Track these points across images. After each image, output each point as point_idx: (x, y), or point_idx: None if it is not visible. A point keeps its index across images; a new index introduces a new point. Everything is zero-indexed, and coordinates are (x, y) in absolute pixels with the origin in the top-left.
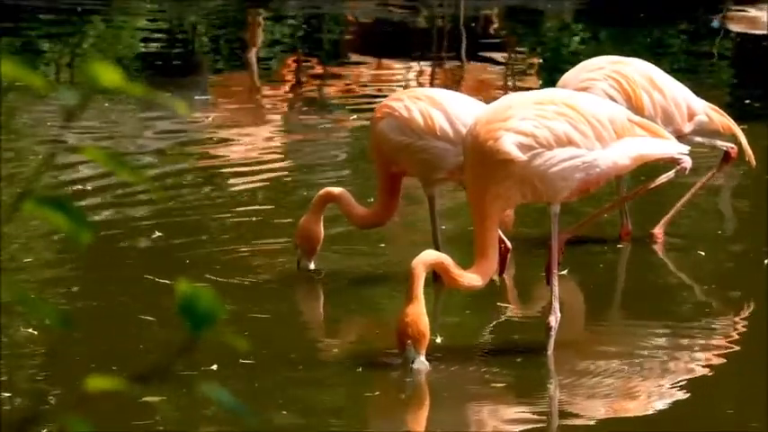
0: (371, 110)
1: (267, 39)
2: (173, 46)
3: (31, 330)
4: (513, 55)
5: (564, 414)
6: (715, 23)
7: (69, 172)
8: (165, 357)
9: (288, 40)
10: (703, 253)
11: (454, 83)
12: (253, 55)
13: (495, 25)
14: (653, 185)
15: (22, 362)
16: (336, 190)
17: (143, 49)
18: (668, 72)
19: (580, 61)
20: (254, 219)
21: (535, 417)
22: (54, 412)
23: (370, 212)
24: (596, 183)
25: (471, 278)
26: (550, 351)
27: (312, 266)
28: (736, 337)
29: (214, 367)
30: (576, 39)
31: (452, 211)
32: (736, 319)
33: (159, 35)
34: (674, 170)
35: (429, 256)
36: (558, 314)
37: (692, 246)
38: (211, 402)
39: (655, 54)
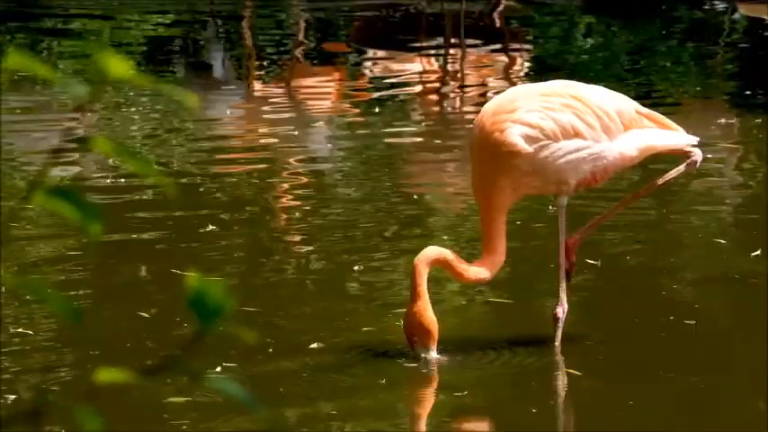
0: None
1: (272, 34)
2: (181, 43)
3: (31, 326)
4: (514, 44)
5: (571, 406)
6: (737, 16)
7: (73, 163)
8: (176, 351)
9: (294, 33)
10: (723, 242)
11: (458, 72)
12: (251, 54)
13: (499, 16)
14: (663, 181)
15: (27, 357)
16: (431, 253)
17: (150, 47)
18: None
19: (587, 53)
20: (260, 214)
21: (543, 408)
22: (63, 406)
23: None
24: (603, 175)
25: (477, 271)
26: (558, 342)
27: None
28: (740, 334)
29: (218, 369)
30: (583, 29)
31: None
32: (741, 314)
33: (167, 33)
34: (684, 164)
35: (431, 252)
36: (566, 305)
37: (695, 242)
38: (224, 397)
39: (661, 43)
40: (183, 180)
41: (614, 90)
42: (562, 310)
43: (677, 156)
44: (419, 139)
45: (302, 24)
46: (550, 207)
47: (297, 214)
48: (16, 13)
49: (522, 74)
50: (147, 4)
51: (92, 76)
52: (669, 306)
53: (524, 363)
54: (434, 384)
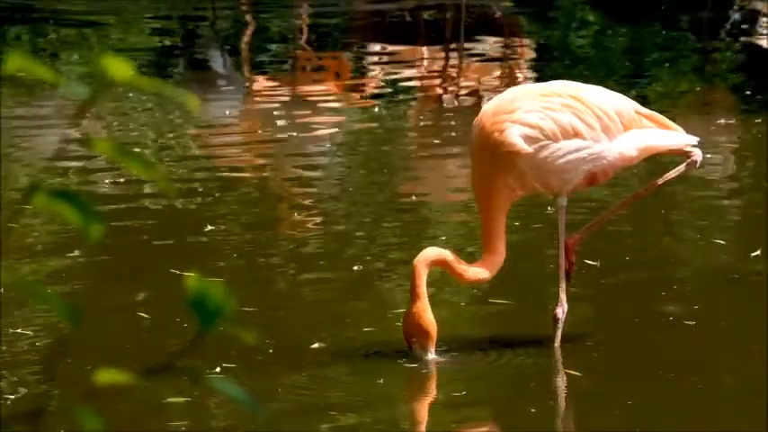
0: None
1: (273, 35)
2: (181, 45)
3: (30, 326)
4: (514, 42)
5: (570, 406)
6: (737, 16)
7: (73, 165)
8: (176, 352)
9: (295, 36)
10: (723, 242)
11: (458, 72)
12: (247, 53)
13: (500, 14)
14: (663, 181)
15: (27, 357)
16: (430, 254)
17: (153, 48)
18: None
19: (586, 53)
20: (260, 214)
21: (542, 408)
22: (63, 406)
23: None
24: (603, 174)
25: (477, 272)
26: (558, 342)
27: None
28: (740, 334)
29: (218, 369)
30: (583, 29)
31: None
32: (741, 314)
33: (168, 34)
34: (684, 164)
35: (430, 253)
36: (566, 306)
37: (695, 242)
38: (224, 397)
39: (661, 43)
40: (182, 180)
41: (614, 90)
42: (562, 311)
43: (677, 155)
44: (418, 140)
45: (304, 26)
46: (549, 208)
47: (296, 214)
48: (16, 19)
49: (521, 74)
50: (149, 8)
51: (94, 79)
52: (669, 306)
53: (524, 363)
54: (434, 385)
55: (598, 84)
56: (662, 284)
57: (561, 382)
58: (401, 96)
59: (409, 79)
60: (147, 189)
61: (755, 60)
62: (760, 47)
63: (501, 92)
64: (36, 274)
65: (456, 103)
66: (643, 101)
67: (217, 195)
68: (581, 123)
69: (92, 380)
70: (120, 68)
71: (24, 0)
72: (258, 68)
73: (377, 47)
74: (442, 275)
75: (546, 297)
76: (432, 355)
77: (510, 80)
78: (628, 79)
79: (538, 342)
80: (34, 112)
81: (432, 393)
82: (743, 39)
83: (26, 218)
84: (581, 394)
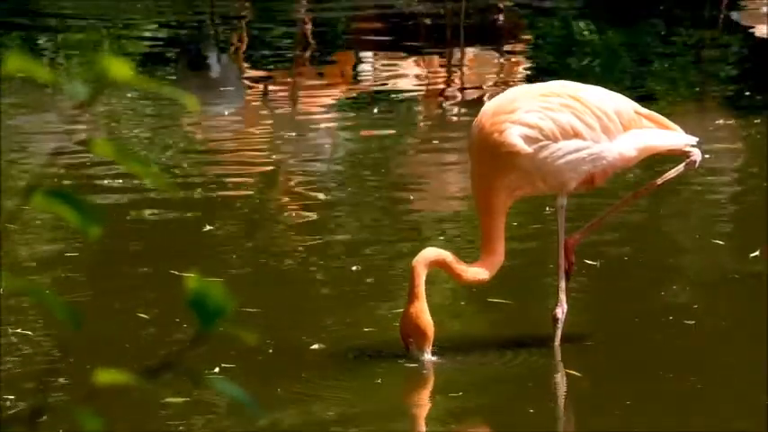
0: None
1: (273, 35)
2: (180, 45)
3: (31, 327)
4: (514, 42)
5: (570, 406)
6: (735, 15)
7: (73, 163)
8: (176, 352)
9: (294, 36)
10: (722, 243)
11: (458, 73)
12: (239, 55)
13: (501, 16)
14: (662, 181)
15: (27, 358)
16: (429, 254)
17: (152, 48)
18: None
19: (585, 54)
20: (258, 215)
21: (541, 408)
22: (63, 406)
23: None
24: (603, 175)
25: (476, 272)
26: (557, 342)
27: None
28: (740, 334)
29: (217, 369)
30: (582, 31)
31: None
32: (740, 314)
33: (167, 34)
34: (683, 164)
35: (429, 253)
36: (565, 306)
37: (694, 242)
38: (223, 398)
39: (659, 45)
40: (181, 181)
41: (614, 90)
42: (561, 311)
43: (677, 155)
44: (417, 141)
45: (307, 25)
46: (548, 208)
47: (295, 215)
48: (12, 24)
49: (520, 75)
50: (148, 9)
51: (93, 79)
52: (669, 306)
53: (523, 363)
54: (434, 385)
55: (598, 83)
56: (662, 284)
57: (561, 382)
58: (401, 97)
59: (410, 80)
60: (146, 188)
61: (755, 60)
62: (760, 47)
63: (501, 92)
64: (36, 276)
65: (454, 103)
66: (643, 101)
67: (216, 195)
68: (580, 123)
69: (92, 380)
70: (120, 69)
71: (25, 2)
72: (258, 68)
73: (378, 47)
74: (442, 276)
75: (546, 297)
76: (427, 356)
77: (509, 80)
78: (627, 79)
79: (538, 342)
80: (35, 118)
81: (430, 393)
82: (742, 38)
83: (26, 218)
84: (581, 394)
